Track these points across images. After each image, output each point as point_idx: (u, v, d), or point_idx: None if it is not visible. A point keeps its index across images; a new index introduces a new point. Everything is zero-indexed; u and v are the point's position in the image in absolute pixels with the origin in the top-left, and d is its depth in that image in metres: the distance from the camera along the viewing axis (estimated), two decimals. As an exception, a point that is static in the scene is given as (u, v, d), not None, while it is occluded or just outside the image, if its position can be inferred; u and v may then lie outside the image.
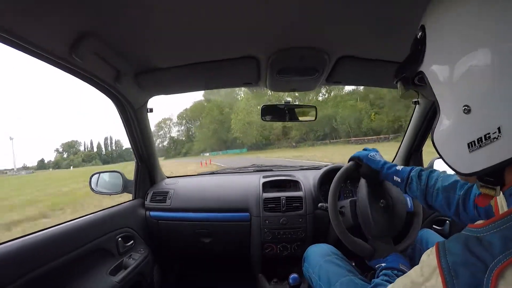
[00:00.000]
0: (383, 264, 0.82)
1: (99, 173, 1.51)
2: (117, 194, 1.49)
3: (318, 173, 1.49)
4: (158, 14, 0.76)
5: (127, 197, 1.51)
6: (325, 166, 1.56)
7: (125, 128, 1.35)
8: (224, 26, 0.84)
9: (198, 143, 61.80)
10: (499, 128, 0.35)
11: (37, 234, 0.87)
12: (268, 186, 1.50)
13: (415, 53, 0.48)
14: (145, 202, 1.51)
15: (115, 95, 1.15)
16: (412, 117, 1.49)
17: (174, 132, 76.95)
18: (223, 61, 1.06)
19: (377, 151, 1.00)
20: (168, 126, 77.14)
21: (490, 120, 0.36)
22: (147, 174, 1.56)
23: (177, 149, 72.35)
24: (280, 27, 0.85)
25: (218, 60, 1.06)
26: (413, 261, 0.97)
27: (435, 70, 0.44)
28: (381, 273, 0.79)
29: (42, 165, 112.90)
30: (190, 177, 1.82)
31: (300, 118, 1.50)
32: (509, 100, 0.34)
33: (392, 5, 0.74)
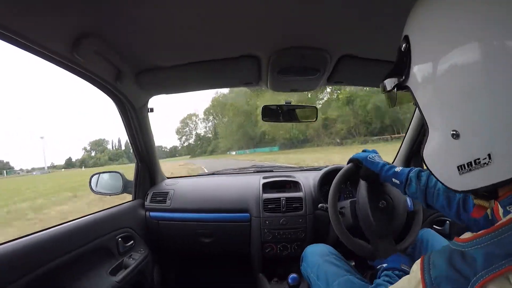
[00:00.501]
0: (384, 265, 0.82)
1: (99, 173, 1.50)
2: (117, 194, 1.49)
3: (318, 174, 1.48)
4: (159, 13, 0.76)
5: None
6: (325, 167, 1.56)
7: (125, 128, 1.35)
8: (225, 25, 0.84)
9: (224, 140, 53.05)
10: (489, 155, 0.34)
11: (37, 234, 0.87)
12: (268, 186, 1.50)
13: (400, 66, 0.46)
14: (145, 202, 1.50)
15: (115, 94, 1.15)
16: (413, 117, 1.49)
17: (201, 129, 70.74)
18: (224, 60, 1.06)
19: (376, 152, 1.00)
20: (193, 122, 71.57)
21: (480, 146, 0.35)
22: (147, 174, 1.55)
23: (203, 147, 65.59)
24: (280, 26, 0.85)
25: (218, 59, 1.06)
26: (413, 261, 0.97)
27: (422, 87, 0.42)
28: (382, 273, 0.79)
29: (70, 163, 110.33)
30: (190, 178, 1.82)
31: (301, 119, 1.51)
32: (499, 126, 0.33)
33: (393, 3, 0.74)
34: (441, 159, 0.42)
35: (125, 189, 1.49)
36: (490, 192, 0.40)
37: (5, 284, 0.71)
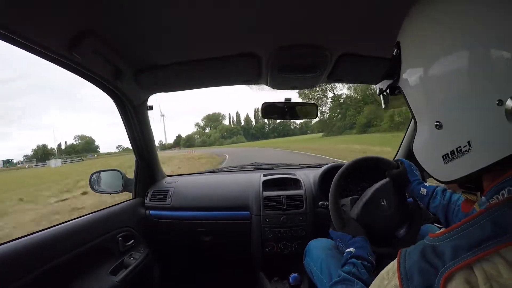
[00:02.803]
0: (352, 249, 0.79)
1: (99, 172, 1.51)
2: (117, 193, 1.48)
3: (319, 171, 1.48)
4: (157, 12, 0.76)
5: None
6: (326, 164, 1.55)
7: (124, 125, 1.34)
8: (224, 23, 0.84)
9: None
10: (469, 142, 0.37)
11: (38, 233, 0.87)
12: (268, 184, 1.50)
13: (392, 69, 0.51)
14: (145, 201, 1.50)
15: (114, 92, 1.15)
16: None
17: (341, 89, 40.44)
18: (224, 58, 1.06)
19: (416, 168, 1.03)
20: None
21: (460, 134, 0.38)
22: (147, 172, 1.55)
23: (348, 117, 35.60)
24: (280, 24, 0.85)
25: (218, 57, 1.05)
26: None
27: (410, 85, 0.46)
28: (350, 260, 0.76)
29: (178, 141, 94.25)
30: (190, 176, 1.81)
31: (301, 116, 1.49)
32: (476, 116, 0.36)
33: (393, 2, 0.74)
34: (428, 150, 0.46)
35: (125, 187, 1.48)
36: (475, 184, 0.43)
37: (6, 283, 0.71)
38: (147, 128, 1.41)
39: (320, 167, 1.56)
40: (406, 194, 1.02)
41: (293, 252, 1.40)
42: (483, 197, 0.43)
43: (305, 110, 1.50)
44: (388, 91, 0.55)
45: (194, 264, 1.75)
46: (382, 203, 0.96)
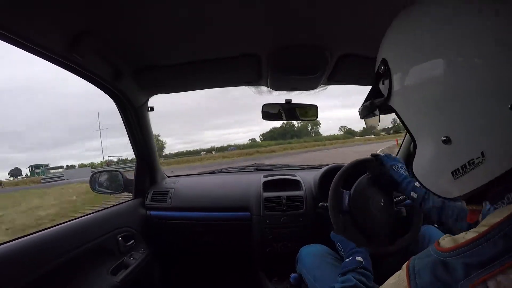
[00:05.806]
0: (361, 259, 0.81)
1: (99, 172, 1.51)
2: (117, 193, 1.49)
3: (319, 172, 1.48)
4: (157, 12, 0.76)
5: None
6: (326, 165, 1.55)
7: (125, 126, 1.35)
8: (224, 24, 0.84)
9: None
10: (482, 153, 0.35)
11: (38, 234, 0.87)
12: (268, 185, 1.50)
13: (379, 88, 0.48)
14: (146, 201, 1.50)
15: (115, 93, 1.15)
16: None
17: None
18: (224, 59, 1.06)
19: (402, 162, 0.99)
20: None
21: (473, 146, 0.36)
22: (147, 173, 1.55)
23: None
24: (280, 24, 0.85)
25: (218, 58, 1.06)
26: None
27: (407, 104, 0.43)
28: (358, 269, 0.78)
29: (351, 132, 76.70)
30: (190, 177, 1.81)
31: (301, 117, 1.50)
32: (489, 125, 0.34)
33: (394, 1, 0.74)
34: (434, 169, 0.42)
35: (125, 188, 1.49)
36: (480, 194, 0.40)
37: (6, 284, 0.71)
38: (147, 129, 1.41)
39: (320, 168, 1.56)
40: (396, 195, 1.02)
41: (293, 253, 1.40)
42: (487, 204, 0.42)
43: (306, 111, 1.50)
44: (377, 111, 0.52)
45: (194, 264, 1.74)
46: (381, 203, 0.97)
